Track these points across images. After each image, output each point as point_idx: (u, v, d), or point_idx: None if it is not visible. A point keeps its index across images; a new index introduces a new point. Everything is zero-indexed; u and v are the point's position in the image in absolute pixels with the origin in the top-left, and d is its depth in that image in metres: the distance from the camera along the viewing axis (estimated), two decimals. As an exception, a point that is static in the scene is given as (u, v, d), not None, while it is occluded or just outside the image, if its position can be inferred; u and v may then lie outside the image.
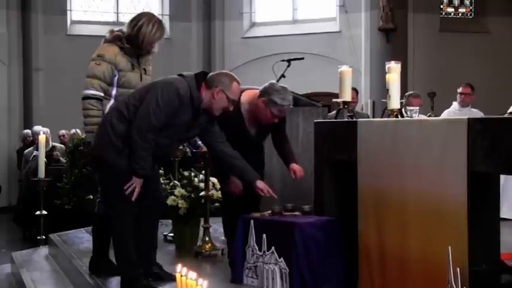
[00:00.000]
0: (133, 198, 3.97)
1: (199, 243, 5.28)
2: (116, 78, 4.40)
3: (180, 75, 4.12)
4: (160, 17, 4.70)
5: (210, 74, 4.11)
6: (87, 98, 4.41)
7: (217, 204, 5.56)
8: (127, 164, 3.97)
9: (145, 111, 3.92)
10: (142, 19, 4.43)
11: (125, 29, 4.49)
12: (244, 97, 4.51)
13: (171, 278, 4.07)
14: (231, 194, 4.73)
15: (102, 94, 4.41)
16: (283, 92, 4.38)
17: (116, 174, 4.01)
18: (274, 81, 4.41)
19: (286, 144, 4.67)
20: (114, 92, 4.42)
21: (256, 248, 4.13)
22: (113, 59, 4.40)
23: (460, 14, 14.16)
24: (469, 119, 3.18)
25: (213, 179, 5.38)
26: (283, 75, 5.48)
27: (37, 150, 8.14)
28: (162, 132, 3.99)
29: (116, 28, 4.58)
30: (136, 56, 4.49)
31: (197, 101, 4.01)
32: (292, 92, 5.50)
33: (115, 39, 4.47)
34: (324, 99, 5.69)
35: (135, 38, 4.40)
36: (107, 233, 4.36)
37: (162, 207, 4.63)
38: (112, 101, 4.40)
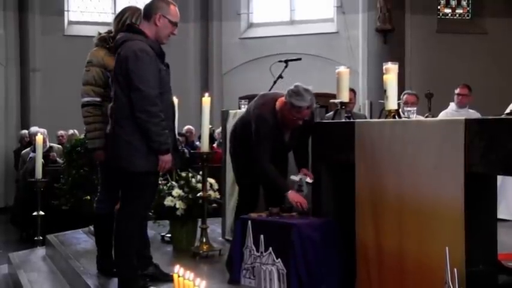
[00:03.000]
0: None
1: (196, 243, 5.28)
2: (110, 79, 4.41)
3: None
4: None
5: (143, 8, 4.08)
6: (84, 106, 4.47)
7: (214, 205, 5.57)
8: (152, 163, 3.92)
9: (135, 92, 3.83)
10: (126, 13, 4.46)
11: (111, 27, 4.51)
12: (278, 103, 4.48)
13: (168, 278, 4.08)
14: (247, 193, 4.74)
15: (98, 99, 4.44)
16: (302, 93, 4.29)
17: (142, 180, 3.97)
18: (299, 83, 4.38)
19: (305, 151, 4.61)
20: (112, 92, 4.42)
21: (254, 248, 4.13)
22: (101, 61, 4.43)
23: (457, 15, 14.18)
24: (466, 119, 3.18)
25: (211, 180, 5.38)
26: (280, 76, 5.48)
27: (34, 151, 8.13)
28: (164, 93, 3.95)
29: (105, 28, 4.59)
30: None
31: (157, 47, 3.99)
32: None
33: (101, 41, 4.53)
34: (321, 100, 5.68)
35: None
36: (109, 231, 4.36)
37: None
38: (113, 102, 4.40)
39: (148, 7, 4.05)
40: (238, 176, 4.85)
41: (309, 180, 4.42)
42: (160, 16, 3.98)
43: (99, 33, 4.58)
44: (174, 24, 4.05)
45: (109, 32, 4.55)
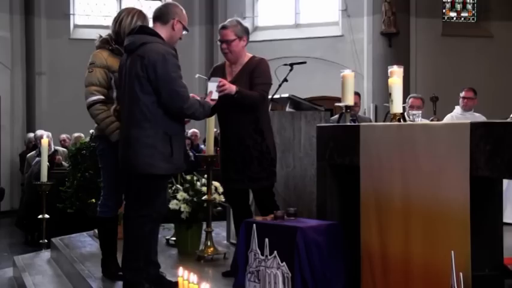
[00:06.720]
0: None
1: (201, 247, 5.28)
2: (113, 80, 4.42)
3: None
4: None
5: (158, 10, 4.14)
6: (90, 105, 4.44)
7: (219, 208, 5.57)
8: (173, 165, 3.97)
9: (170, 92, 3.90)
10: (122, 14, 4.51)
11: (110, 30, 4.54)
12: None
13: (173, 286, 4.07)
14: (233, 200, 4.73)
15: (103, 97, 4.43)
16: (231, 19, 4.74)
17: (159, 182, 4.00)
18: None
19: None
20: (114, 94, 4.43)
21: (259, 252, 4.12)
22: (104, 62, 4.44)
23: (462, 18, 14.16)
24: (471, 123, 3.18)
25: (216, 183, 5.38)
26: (285, 79, 5.48)
27: (39, 154, 8.15)
28: None
29: (107, 32, 4.62)
30: None
31: (174, 49, 4.06)
32: (295, 96, 5.53)
33: (103, 43, 4.54)
34: (326, 103, 5.70)
35: (119, 34, 4.43)
36: (113, 235, 4.36)
37: None
38: (115, 104, 4.40)
39: (164, 11, 4.10)
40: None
41: (215, 82, 4.33)
42: (178, 21, 4.08)
43: (100, 36, 4.60)
44: (186, 29, 4.17)
45: (110, 34, 4.56)
